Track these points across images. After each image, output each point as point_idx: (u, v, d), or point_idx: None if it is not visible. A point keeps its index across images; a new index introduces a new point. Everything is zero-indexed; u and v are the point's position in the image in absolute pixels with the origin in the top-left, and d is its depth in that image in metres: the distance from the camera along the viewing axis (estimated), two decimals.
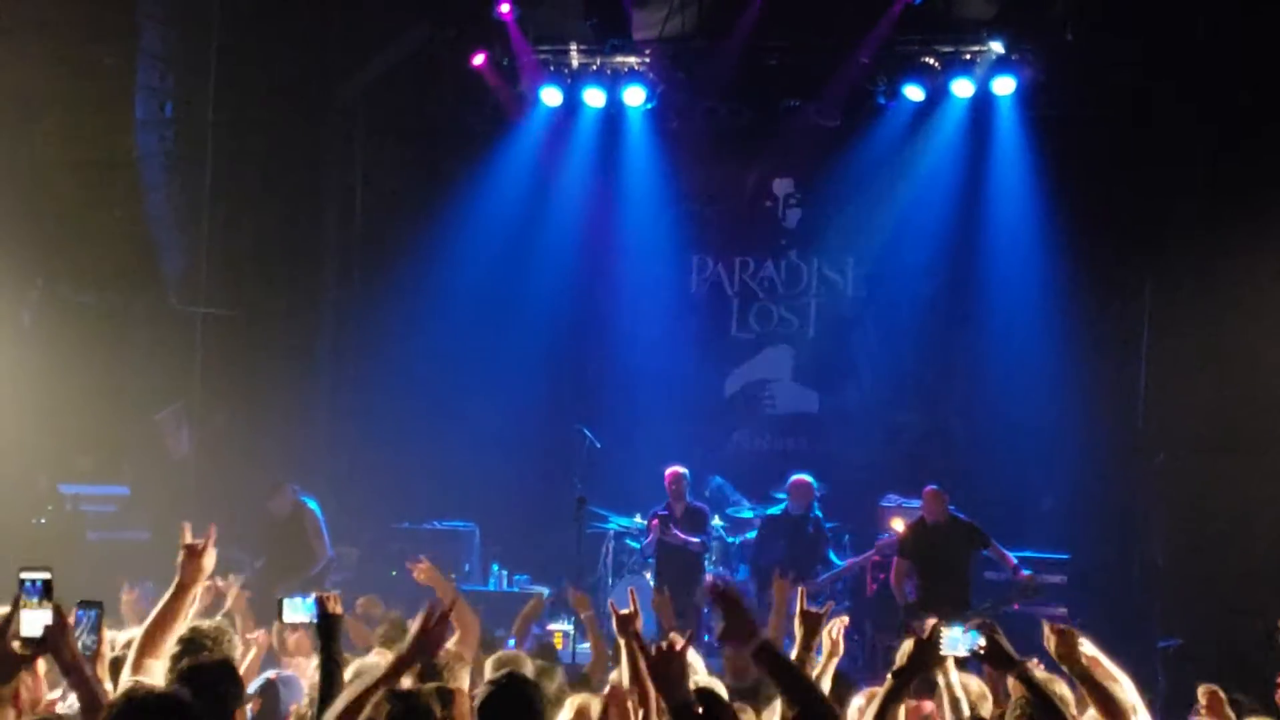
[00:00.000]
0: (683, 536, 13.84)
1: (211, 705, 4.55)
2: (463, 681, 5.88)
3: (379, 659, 6.11)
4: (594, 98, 15.82)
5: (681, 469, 14.12)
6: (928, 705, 6.71)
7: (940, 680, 5.93)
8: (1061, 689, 5.54)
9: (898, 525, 13.66)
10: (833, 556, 14.08)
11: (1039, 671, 5.53)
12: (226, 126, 15.03)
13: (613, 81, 15.72)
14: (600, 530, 14.79)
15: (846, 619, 6.52)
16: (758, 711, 5.82)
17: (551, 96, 15.82)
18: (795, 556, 13.53)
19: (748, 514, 15.00)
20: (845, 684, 6.81)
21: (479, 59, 15.57)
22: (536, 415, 16.13)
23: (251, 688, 6.35)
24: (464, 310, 16.30)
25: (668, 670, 4.53)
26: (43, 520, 13.01)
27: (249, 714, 6.02)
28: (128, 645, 6.46)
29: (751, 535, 14.65)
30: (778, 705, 5.48)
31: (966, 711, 6.00)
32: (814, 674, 6.57)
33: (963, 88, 15.08)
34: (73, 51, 13.62)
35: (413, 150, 16.62)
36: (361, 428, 16.40)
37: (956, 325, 16.02)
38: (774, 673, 4.61)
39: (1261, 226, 13.27)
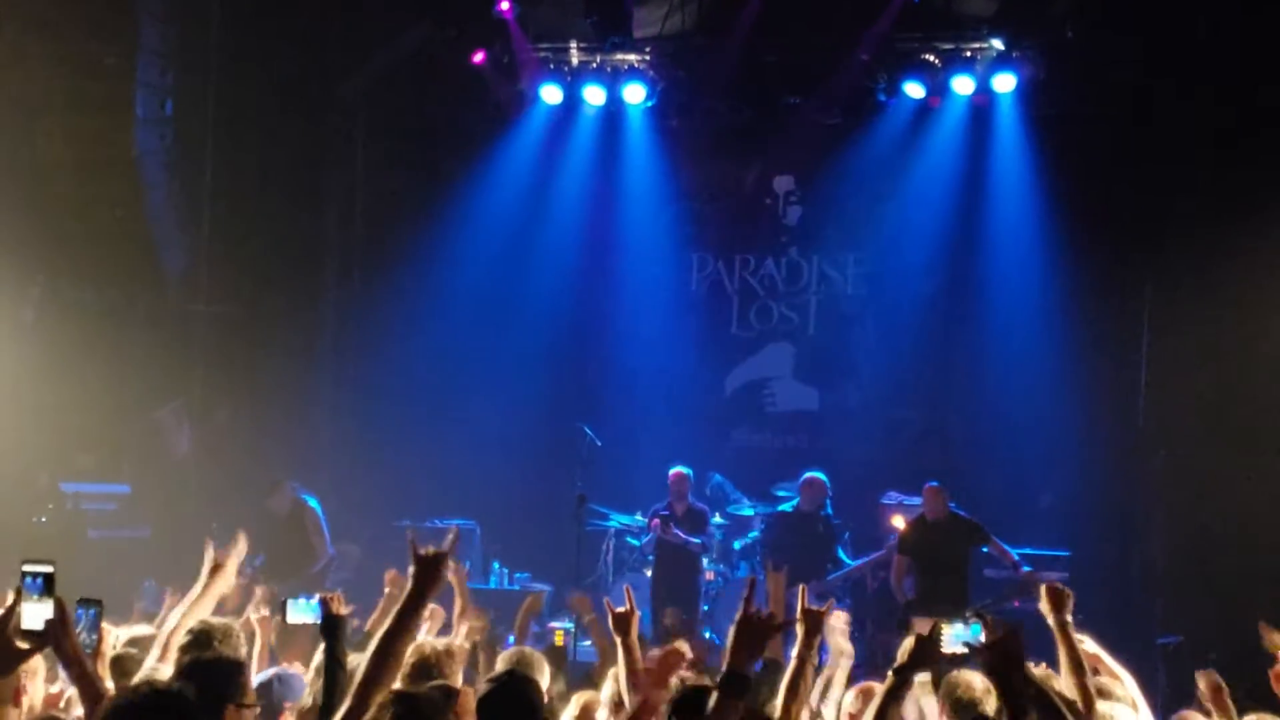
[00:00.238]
0: (683, 536, 13.86)
1: (212, 702, 4.55)
2: (456, 677, 5.89)
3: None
4: (594, 96, 15.82)
5: (685, 470, 14.15)
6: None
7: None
8: (1060, 685, 5.55)
9: (898, 523, 13.67)
10: (842, 555, 14.08)
11: (1039, 670, 5.55)
12: (227, 124, 15.05)
13: (613, 79, 15.72)
14: (601, 528, 14.80)
15: (848, 616, 6.53)
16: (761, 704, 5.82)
17: (551, 94, 15.82)
18: (805, 554, 13.55)
19: (748, 511, 15.00)
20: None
21: (479, 57, 15.57)
22: (537, 413, 16.12)
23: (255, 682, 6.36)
24: (464, 308, 16.31)
25: (754, 634, 4.56)
26: (43, 518, 13.02)
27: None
28: (130, 643, 6.49)
29: (753, 534, 14.67)
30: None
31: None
32: (822, 677, 6.59)
33: (963, 85, 15.08)
34: (73, 50, 13.65)
35: (413, 148, 16.61)
36: (362, 425, 16.41)
37: (957, 323, 16.02)
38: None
39: (1261, 225, 13.27)
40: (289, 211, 15.81)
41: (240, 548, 6.46)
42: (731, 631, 4.70)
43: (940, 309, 16.12)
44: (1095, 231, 15.07)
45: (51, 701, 5.75)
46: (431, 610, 7.71)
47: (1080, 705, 5.41)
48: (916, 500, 13.53)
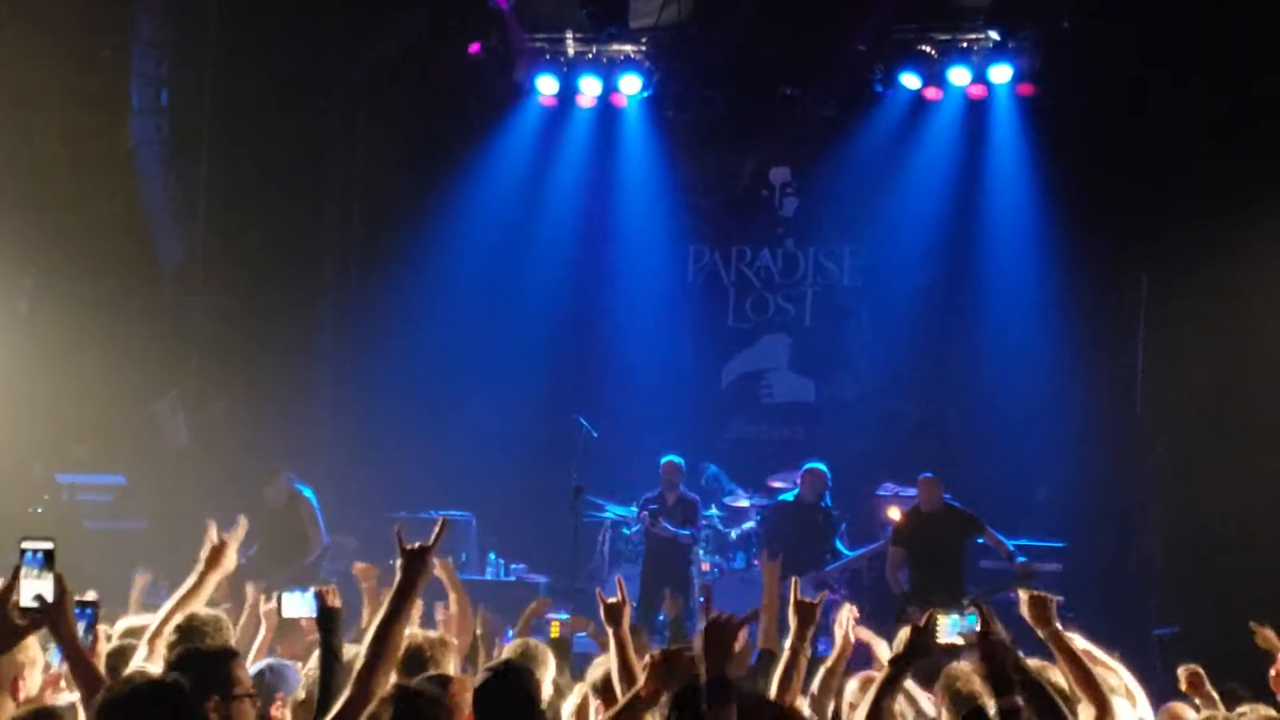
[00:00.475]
0: (672, 529, 13.86)
1: (202, 693, 4.54)
2: (449, 667, 5.89)
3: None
4: (590, 86, 15.80)
5: (677, 459, 14.15)
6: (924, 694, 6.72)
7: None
8: (1055, 676, 5.55)
9: (894, 514, 13.68)
10: (840, 547, 14.09)
11: (1033, 660, 5.54)
12: (223, 116, 15.03)
13: (609, 70, 15.70)
14: (597, 519, 14.81)
15: (855, 610, 6.52)
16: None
17: (548, 85, 15.80)
18: (805, 544, 13.57)
19: (744, 502, 15.01)
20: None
21: (475, 48, 15.54)
22: (534, 405, 16.13)
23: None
24: (461, 300, 16.31)
25: (720, 637, 4.59)
26: (39, 509, 13.01)
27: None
28: (125, 634, 6.48)
29: (749, 525, 14.68)
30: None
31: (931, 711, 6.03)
32: (822, 670, 6.57)
33: (960, 76, 15.06)
34: (68, 42, 13.62)
35: (410, 139, 16.59)
36: (359, 417, 16.40)
37: (953, 315, 16.03)
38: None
39: (1258, 216, 13.27)
40: (286, 203, 15.78)
41: (240, 532, 6.44)
42: (698, 640, 4.73)
43: (937, 301, 16.13)
44: (1092, 223, 15.07)
45: (51, 682, 5.74)
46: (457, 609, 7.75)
47: (1096, 713, 5.41)
48: (912, 492, 13.54)
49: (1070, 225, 15.09)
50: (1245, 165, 13.57)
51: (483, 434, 16.02)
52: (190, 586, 5.83)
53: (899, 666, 5.26)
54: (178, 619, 5.71)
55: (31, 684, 5.53)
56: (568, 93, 15.93)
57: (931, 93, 15.33)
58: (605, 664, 5.79)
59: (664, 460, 14.15)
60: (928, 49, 15.10)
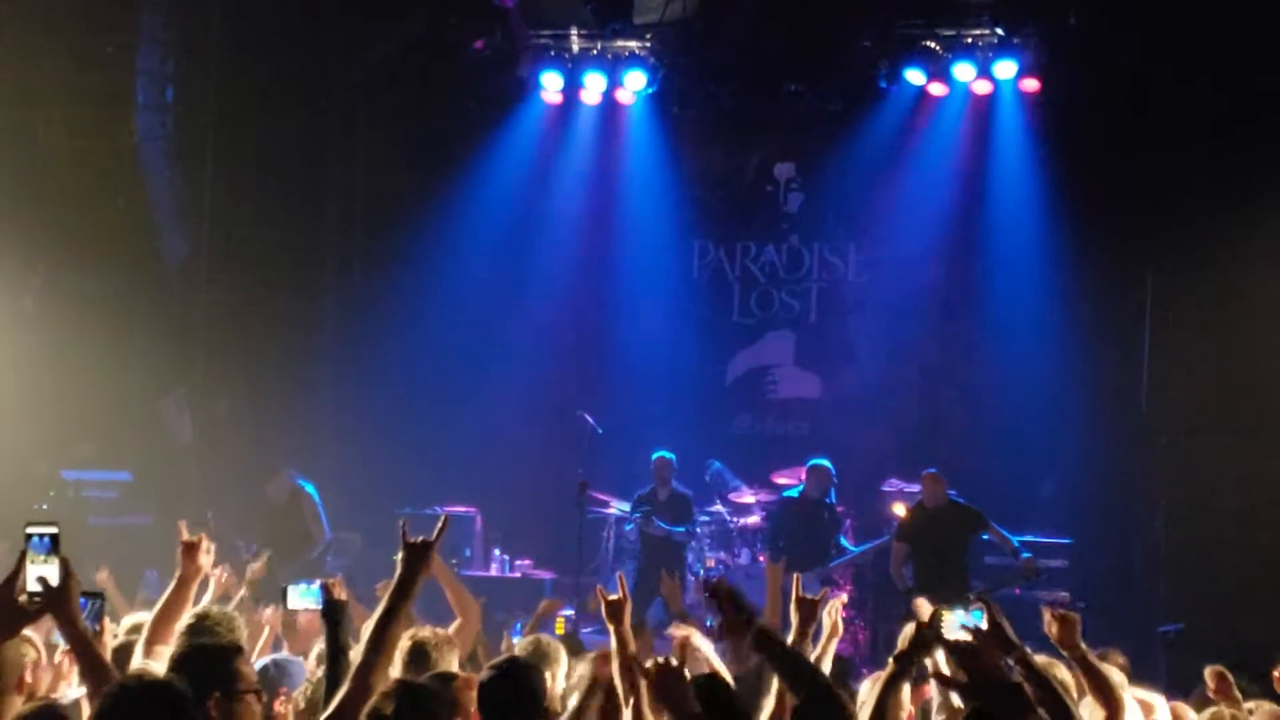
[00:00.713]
0: (665, 528, 13.86)
1: (203, 690, 4.54)
2: (452, 663, 5.89)
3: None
4: (595, 83, 15.79)
5: (669, 455, 14.11)
6: (928, 691, 6.72)
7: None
8: (1061, 673, 5.55)
9: (899, 510, 13.68)
10: (844, 543, 14.10)
11: (1040, 656, 5.54)
12: (228, 112, 15.04)
13: (614, 66, 15.69)
14: (602, 516, 14.81)
15: (844, 597, 6.52)
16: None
17: (552, 82, 15.79)
18: (810, 540, 13.58)
19: (749, 498, 15.02)
20: (844, 666, 6.84)
21: (479, 44, 15.54)
22: (538, 401, 16.14)
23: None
24: (465, 297, 16.31)
25: (670, 689, 4.56)
26: (45, 506, 13.02)
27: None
28: (132, 630, 6.49)
29: (752, 520, 14.68)
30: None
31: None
32: (813, 657, 6.59)
33: (964, 72, 15.05)
34: (74, 38, 13.63)
35: (414, 135, 16.58)
36: (363, 413, 16.40)
37: (958, 310, 16.02)
38: (773, 658, 4.64)
39: (1261, 212, 13.26)
40: (290, 199, 15.80)
41: (211, 529, 6.34)
42: (647, 690, 4.75)
43: (941, 297, 16.12)
44: (1097, 219, 15.05)
45: (57, 674, 5.74)
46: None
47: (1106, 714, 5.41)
48: (917, 488, 13.55)
49: (1075, 221, 15.07)
50: (1249, 162, 13.56)
51: (487, 430, 16.02)
52: (169, 594, 5.75)
53: (904, 663, 5.26)
54: (172, 625, 5.67)
55: (38, 683, 5.54)
56: (572, 89, 15.91)
57: (936, 88, 15.30)
58: (593, 660, 5.76)
59: (655, 455, 14.13)
60: (932, 45, 15.09)
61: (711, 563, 14.67)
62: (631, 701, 5.45)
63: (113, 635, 6.07)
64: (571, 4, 15.61)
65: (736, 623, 4.61)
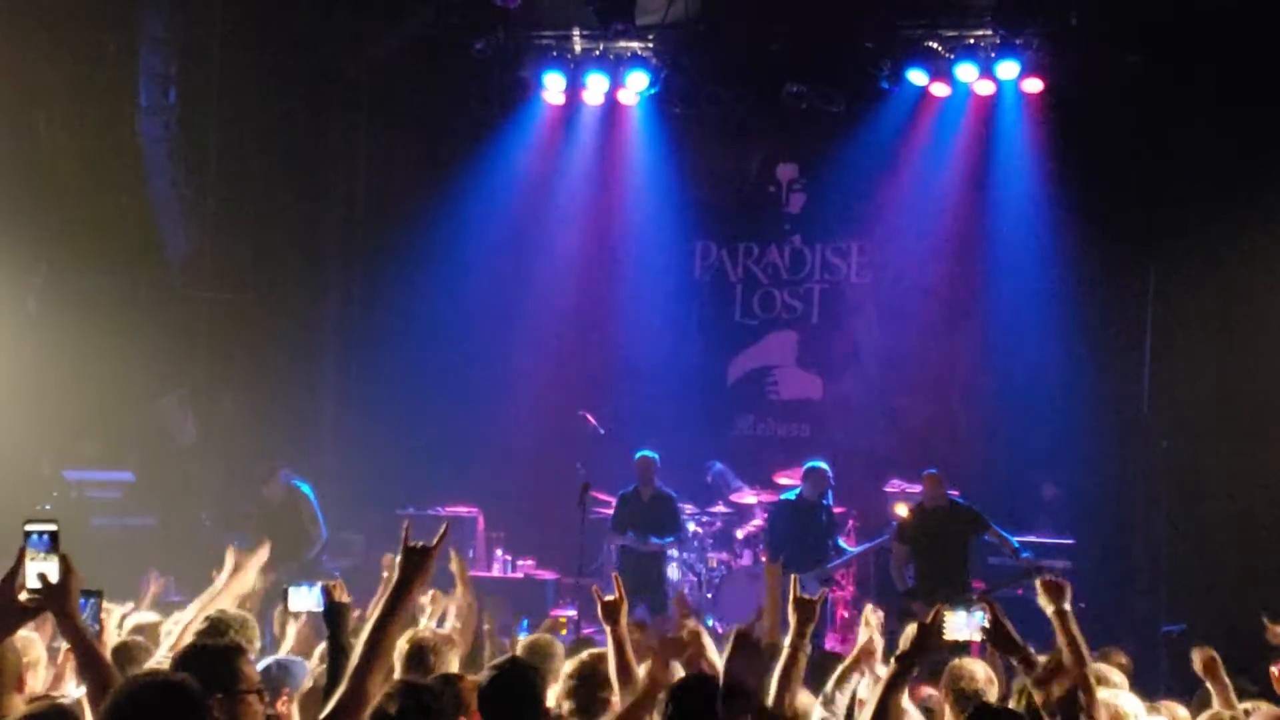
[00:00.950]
0: (637, 543, 13.79)
1: (206, 690, 4.53)
2: (452, 664, 5.90)
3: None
4: (597, 83, 15.78)
5: (651, 454, 14.04)
6: (925, 690, 6.73)
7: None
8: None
9: (901, 511, 13.68)
10: (841, 544, 14.10)
11: (1042, 657, 5.55)
12: (230, 112, 15.04)
13: (616, 67, 15.68)
14: (604, 516, 14.77)
15: (881, 614, 6.51)
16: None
17: (554, 82, 15.79)
18: (808, 542, 13.60)
19: (751, 499, 15.02)
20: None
21: (481, 44, 15.54)
22: (540, 401, 16.15)
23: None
24: (468, 297, 16.33)
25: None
26: (47, 506, 13.02)
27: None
28: (135, 630, 6.50)
29: (754, 522, 14.70)
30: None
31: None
32: (843, 666, 6.56)
33: (966, 72, 15.04)
34: (75, 38, 13.63)
35: (416, 135, 16.61)
36: (366, 413, 16.41)
37: (960, 311, 16.02)
38: None
39: (1265, 213, 13.26)
40: (292, 198, 15.81)
41: (263, 553, 6.43)
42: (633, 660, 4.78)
43: (944, 297, 16.13)
44: (1098, 220, 15.04)
45: (59, 672, 5.75)
46: (433, 595, 7.74)
47: (1081, 694, 5.40)
48: (919, 488, 13.55)
49: (1077, 222, 15.08)
50: (1253, 162, 13.54)
51: (489, 430, 16.04)
52: (206, 601, 5.81)
53: (905, 663, 5.27)
54: (201, 623, 5.72)
55: (35, 685, 5.55)
56: (574, 90, 15.91)
57: (938, 89, 15.30)
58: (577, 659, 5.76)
59: (638, 455, 14.08)
60: (935, 45, 15.09)
61: (714, 563, 14.68)
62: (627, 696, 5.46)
63: (117, 627, 6.09)
64: (574, 4, 15.60)
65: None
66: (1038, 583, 5.78)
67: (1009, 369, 15.50)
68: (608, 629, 5.70)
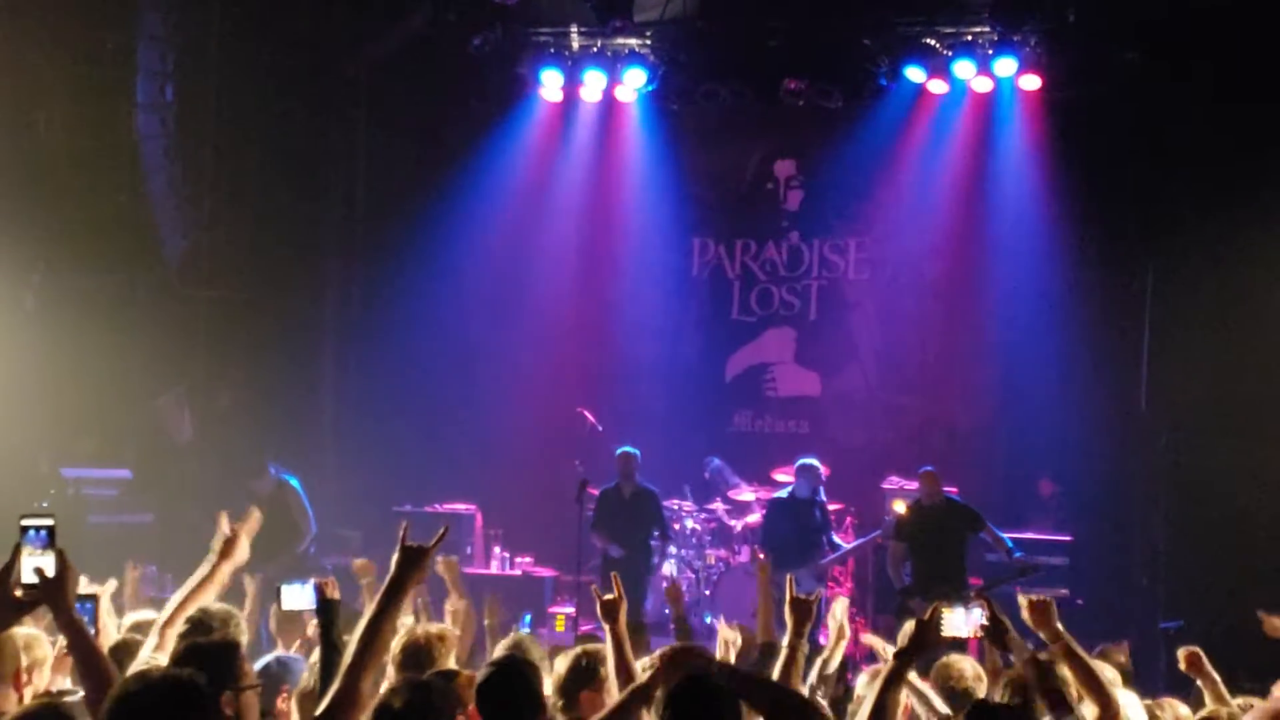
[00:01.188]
0: (604, 549, 13.64)
1: (216, 687, 4.53)
2: (449, 662, 5.89)
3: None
4: (595, 80, 15.79)
5: (632, 450, 13.92)
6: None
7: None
8: (1061, 672, 5.56)
9: (899, 508, 13.69)
10: (836, 540, 14.12)
11: (1041, 655, 5.55)
12: (228, 109, 15.03)
13: (614, 64, 15.68)
14: None
15: (846, 601, 6.53)
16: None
17: (552, 79, 15.78)
18: (802, 539, 13.61)
19: (748, 496, 15.03)
20: (845, 664, 6.85)
21: (479, 42, 15.53)
22: (538, 398, 16.14)
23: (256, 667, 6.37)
24: (465, 294, 16.34)
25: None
26: (45, 504, 13.01)
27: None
28: (133, 628, 6.49)
29: (752, 518, 14.71)
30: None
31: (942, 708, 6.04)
32: (821, 658, 6.59)
33: (964, 69, 15.04)
34: (73, 36, 13.61)
35: (414, 132, 16.60)
36: (364, 411, 16.42)
37: (958, 308, 16.04)
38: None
39: (1264, 211, 13.25)
40: (291, 196, 15.79)
41: (253, 523, 6.41)
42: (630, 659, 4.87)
43: (942, 294, 16.14)
44: (1097, 217, 15.07)
45: (59, 666, 5.75)
46: (452, 613, 7.76)
47: (1099, 713, 5.41)
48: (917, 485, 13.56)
49: (1075, 219, 15.09)
50: (1251, 159, 13.54)
51: (487, 428, 16.05)
52: (202, 576, 5.78)
53: (904, 660, 5.27)
54: (191, 609, 5.69)
55: (39, 682, 5.55)
56: (572, 87, 15.91)
57: (936, 86, 15.30)
58: (568, 659, 5.74)
59: (618, 451, 13.99)
60: (932, 42, 15.09)
61: (712, 560, 14.68)
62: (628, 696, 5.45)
63: (117, 630, 6.08)
64: (571, 1, 15.60)
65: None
66: (1023, 602, 5.70)
67: (1007, 366, 15.51)
68: (607, 627, 5.70)
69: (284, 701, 5.91)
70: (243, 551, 5.89)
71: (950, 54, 15.03)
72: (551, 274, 16.58)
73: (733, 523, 14.84)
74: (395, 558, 4.77)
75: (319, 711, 4.61)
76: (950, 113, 15.64)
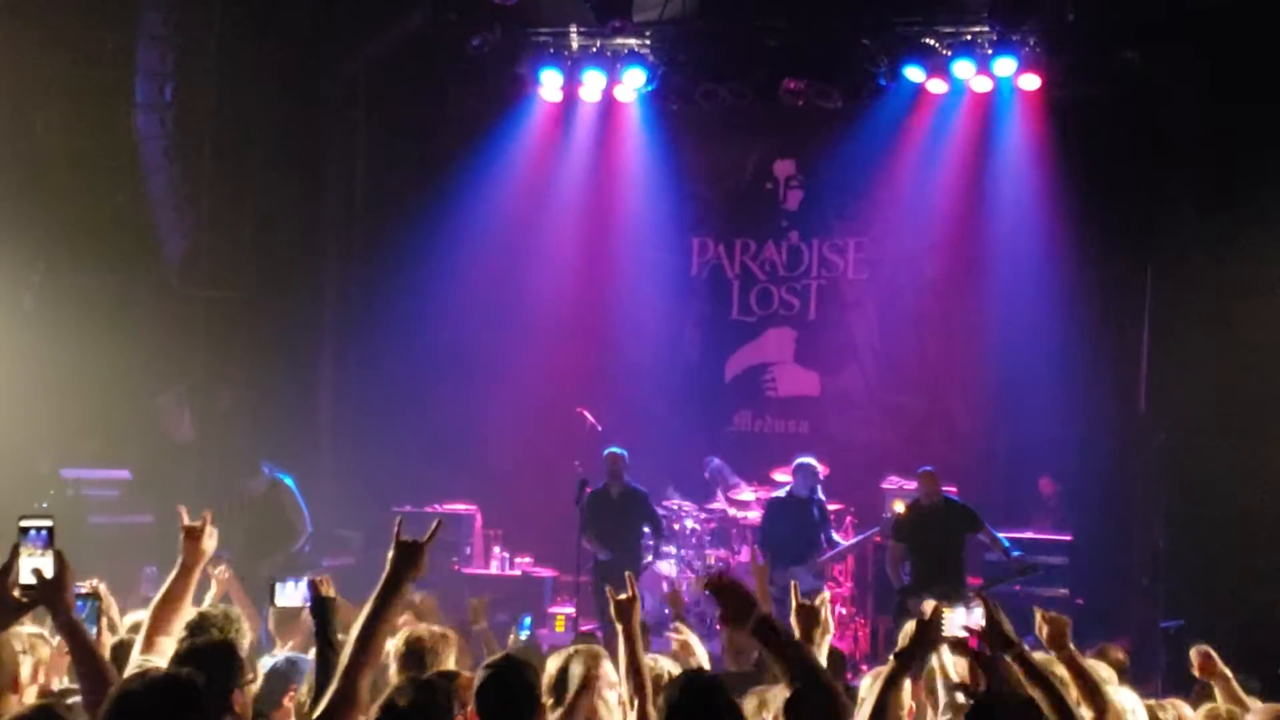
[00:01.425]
0: (593, 551, 13.56)
1: (210, 686, 4.53)
2: (449, 663, 5.89)
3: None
4: (594, 80, 15.78)
5: (619, 450, 13.82)
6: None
7: (935, 663, 5.97)
8: (1060, 670, 5.56)
9: (899, 507, 13.70)
10: (835, 537, 14.12)
11: (1039, 654, 5.54)
12: (227, 109, 15.02)
13: (613, 64, 15.68)
14: None
15: (827, 594, 6.53)
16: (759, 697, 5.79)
17: (551, 79, 15.78)
18: (801, 537, 13.60)
19: (748, 495, 15.03)
20: (838, 661, 6.84)
21: (478, 42, 15.53)
22: (538, 398, 16.14)
23: (265, 666, 6.39)
24: (464, 293, 16.33)
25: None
26: (45, 504, 13.00)
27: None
28: (132, 629, 6.49)
29: (752, 517, 14.71)
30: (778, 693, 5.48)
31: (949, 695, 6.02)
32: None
33: (964, 69, 15.04)
34: (72, 35, 13.60)
35: (413, 132, 16.61)
36: (363, 410, 16.41)
37: (958, 308, 16.04)
38: (773, 647, 4.60)
39: (1262, 207, 13.24)
40: (290, 196, 15.78)
41: (208, 519, 6.32)
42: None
43: (942, 293, 16.15)
44: (1096, 216, 15.07)
45: (57, 666, 5.75)
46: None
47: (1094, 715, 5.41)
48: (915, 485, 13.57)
49: (1074, 218, 15.09)
50: (1250, 158, 13.53)
51: (487, 428, 16.05)
52: (172, 579, 5.71)
53: (904, 660, 5.27)
54: (186, 617, 5.66)
55: (42, 682, 5.54)
56: (571, 87, 15.90)
57: (935, 85, 15.29)
58: (560, 660, 5.72)
59: (606, 452, 13.87)
60: (931, 42, 15.09)
61: (712, 559, 14.68)
62: (637, 703, 5.46)
63: (116, 631, 6.07)
64: (571, 1, 15.60)
65: (740, 612, 4.57)
66: (1038, 616, 5.74)
67: (1006, 365, 15.50)
68: (620, 626, 5.69)
69: (290, 700, 5.94)
70: (209, 544, 5.78)
71: (949, 54, 15.02)
72: (551, 274, 16.58)
73: (732, 523, 14.84)
74: (390, 554, 4.76)
75: (318, 712, 4.61)
76: (950, 112, 15.64)
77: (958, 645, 5.39)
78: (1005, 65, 14.85)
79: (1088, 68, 14.77)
